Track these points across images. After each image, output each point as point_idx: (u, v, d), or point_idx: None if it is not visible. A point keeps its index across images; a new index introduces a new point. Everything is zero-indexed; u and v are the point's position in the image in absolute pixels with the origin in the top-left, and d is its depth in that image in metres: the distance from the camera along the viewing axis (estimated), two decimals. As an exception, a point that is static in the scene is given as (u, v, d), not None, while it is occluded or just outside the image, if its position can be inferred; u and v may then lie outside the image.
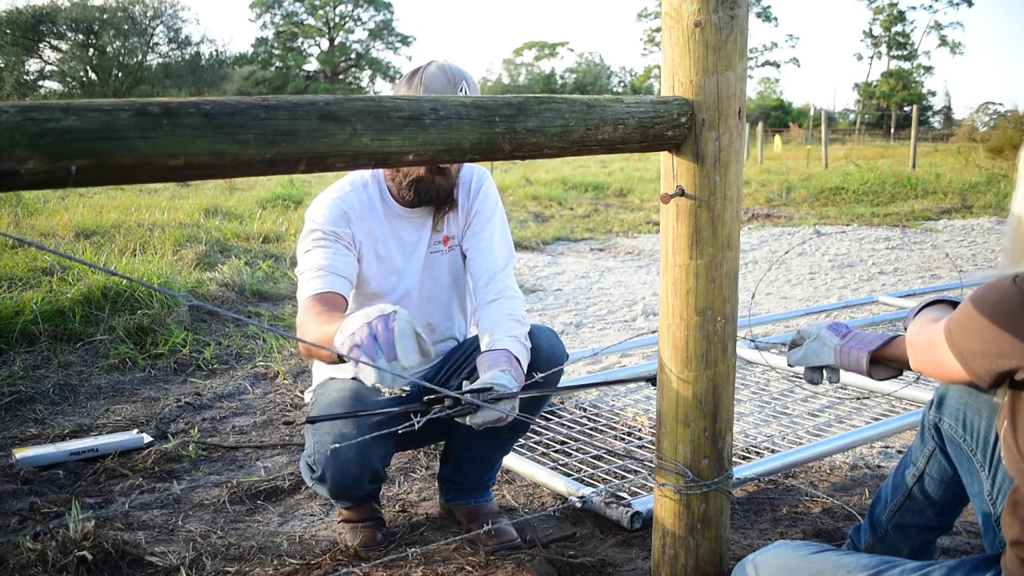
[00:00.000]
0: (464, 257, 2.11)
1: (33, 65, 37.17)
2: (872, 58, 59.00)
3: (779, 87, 68.06)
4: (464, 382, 1.73)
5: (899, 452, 2.76)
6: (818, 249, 7.42)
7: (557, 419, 3.00)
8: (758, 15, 56.45)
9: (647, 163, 17.03)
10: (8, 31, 34.90)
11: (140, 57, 38.73)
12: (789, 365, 1.76)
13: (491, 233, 2.06)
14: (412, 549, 2.06)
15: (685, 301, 1.53)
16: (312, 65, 53.53)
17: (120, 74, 37.56)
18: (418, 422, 1.57)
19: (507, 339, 1.88)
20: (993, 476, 1.48)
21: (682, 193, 1.49)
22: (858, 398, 3.23)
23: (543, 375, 1.92)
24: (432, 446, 2.69)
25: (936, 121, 54.57)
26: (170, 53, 40.18)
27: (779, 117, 46.71)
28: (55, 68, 37.24)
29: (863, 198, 11.74)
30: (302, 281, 1.90)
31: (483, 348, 1.86)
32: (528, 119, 1.26)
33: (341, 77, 53.83)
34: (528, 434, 2.81)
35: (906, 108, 44.31)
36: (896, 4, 54.52)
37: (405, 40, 54.88)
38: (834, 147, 24.07)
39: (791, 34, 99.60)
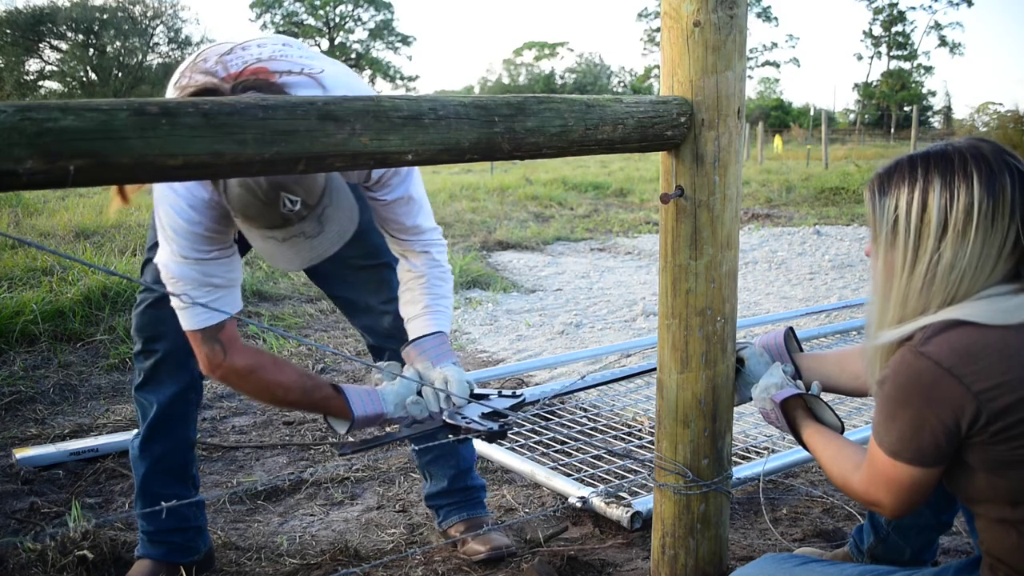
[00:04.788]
0: None
1: (33, 65, 37.18)
2: (872, 58, 59.01)
3: (779, 87, 68.03)
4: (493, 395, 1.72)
5: (899, 452, 2.76)
6: (818, 249, 7.42)
7: (557, 419, 3.00)
8: (758, 15, 56.42)
9: (647, 163, 17.02)
10: (8, 31, 34.88)
11: (140, 57, 38.71)
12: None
13: None
14: (412, 549, 2.06)
15: (685, 301, 1.53)
16: (312, 65, 53.41)
17: (120, 74, 37.52)
18: (452, 438, 1.62)
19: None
20: None
21: (681, 193, 1.49)
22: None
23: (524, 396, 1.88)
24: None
25: (936, 121, 54.49)
26: (170, 53, 40.13)
27: (779, 117, 46.65)
28: (55, 68, 37.23)
29: (863, 198, 11.72)
30: None
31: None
32: (527, 119, 1.26)
33: (341, 77, 53.72)
34: (528, 434, 2.81)
35: (906, 108, 44.29)
36: (896, 4, 54.52)
37: (405, 40, 54.88)
38: (834, 147, 24.07)
39: (791, 34, 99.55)
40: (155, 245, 1.74)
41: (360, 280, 1.96)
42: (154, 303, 1.84)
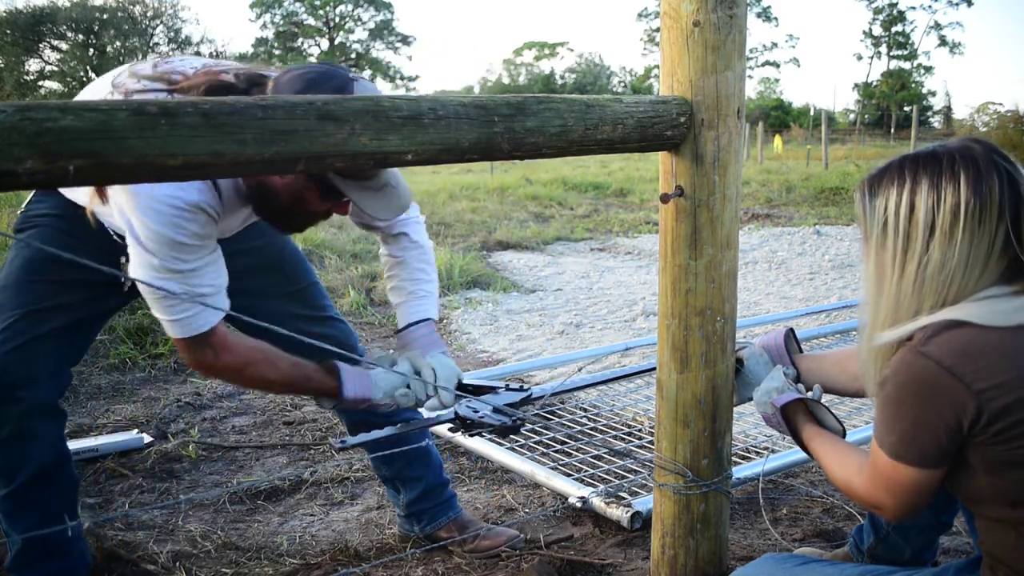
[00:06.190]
0: None
1: (33, 65, 37.14)
2: (872, 58, 59.04)
3: (779, 87, 67.96)
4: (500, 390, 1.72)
5: (899, 452, 2.76)
6: (818, 249, 7.42)
7: (557, 419, 3.00)
8: (758, 15, 56.40)
9: (647, 163, 17.02)
10: (8, 31, 34.88)
11: (140, 57, 38.68)
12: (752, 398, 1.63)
13: None
14: (412, 549, 2.06)
15: (684, 301, 1.53)
16: (312, 65, 53.41)
17: (120, 74, 37.49)
18: (461, 432, 1.63)
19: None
20: None
21: (681, 193, 1.49)
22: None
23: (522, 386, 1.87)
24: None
25: (936, 121, 54.48)
26: (170, 53, 40.09)
27: (779, 117, 46.59)
28: (55, 68, 37.21)
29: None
30: None
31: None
32: (527, 119, 1.26)
33: (341, 77, 53.69)
34: (528, 434, 2.81)
35: (906, 108, 44.31)
36: (896, 4, 54.53)
37: (405, 40, 54.87)
38: (834, 147, 24.06)
39: (791, 34, 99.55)
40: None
41: (294, 303, 1.87)
42: (26, 343, 1.60)
